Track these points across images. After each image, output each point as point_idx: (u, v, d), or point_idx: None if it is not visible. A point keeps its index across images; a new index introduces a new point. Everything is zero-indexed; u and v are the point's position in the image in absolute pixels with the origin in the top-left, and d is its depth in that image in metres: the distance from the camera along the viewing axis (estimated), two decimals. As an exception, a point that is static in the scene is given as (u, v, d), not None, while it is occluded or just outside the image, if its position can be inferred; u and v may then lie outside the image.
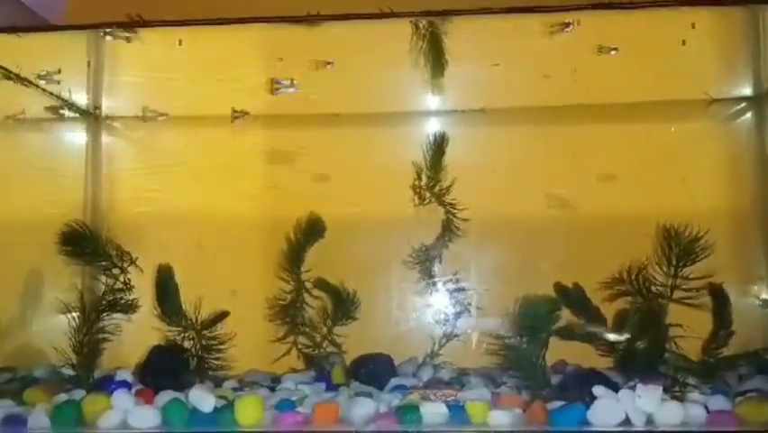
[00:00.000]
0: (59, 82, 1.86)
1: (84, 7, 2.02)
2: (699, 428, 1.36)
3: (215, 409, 1.44)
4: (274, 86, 1.71)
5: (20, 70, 1.83)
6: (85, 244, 1.69)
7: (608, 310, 1.71)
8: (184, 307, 1.72)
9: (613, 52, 1.76)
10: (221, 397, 1.50)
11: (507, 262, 1.88)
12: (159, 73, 1.96)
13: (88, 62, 1.93)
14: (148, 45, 1.80)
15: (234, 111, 1.90)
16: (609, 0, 1.67)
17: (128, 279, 1.71)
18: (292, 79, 1.79)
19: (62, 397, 1.52)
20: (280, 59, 1.84)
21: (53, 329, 1.75)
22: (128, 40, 1.64)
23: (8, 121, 1.91)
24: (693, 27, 1.82)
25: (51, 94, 1.90)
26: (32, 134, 2.01)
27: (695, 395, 1.46)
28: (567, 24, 1.69)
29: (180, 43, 1.81)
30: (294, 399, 1.53)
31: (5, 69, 1.80)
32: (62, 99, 1.94)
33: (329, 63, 1.68)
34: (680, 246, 1.58)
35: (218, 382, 1.69)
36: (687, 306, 1.58)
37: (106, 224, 1.86)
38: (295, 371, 1.82)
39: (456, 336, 1.86)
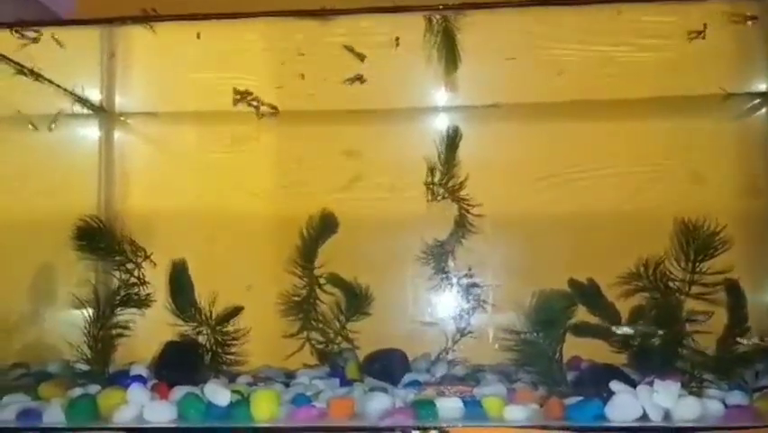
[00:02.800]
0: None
1: (95, 0, 2.01)
2: (716, 423, 1.35)
3: (231, 403, 1.44)
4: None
5: (33, 66, 1.82)
6: (99, 238, 1.69)
7: (623, 306, 1.70)
8: (198, 302, 1.72)
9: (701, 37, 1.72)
10: (235, 392, 1.50)
11: (521, 257, 1.88)
12: (175, 68, 1.96)
13: (112, 53, 1.92)
14: (163, 39, 1.79)
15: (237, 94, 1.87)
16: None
17: (142, 274, 1.71)
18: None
19: (77, 391, 1.53)
20: (302, 54, 1.83)
21: (67, 324, 1.75)
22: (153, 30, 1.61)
23: (22, 117, 1.91)
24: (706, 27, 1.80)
25: (65, 90, 1.90)
26: (46, 130, 2.01)
27: (713, 391, 1.46)
28: (753, 18, 1.65)
29: (199, 37, 1.79)
30: (309, 394, 1.53)
31: (19, 65, 1.80)
32: (76, 95, 1.93)
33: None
34: (697, 241, 1.57)
35: (232, 378, 1.69)
36: (704, 301, 1.57)
37: (121, 219, 1.86)
38: (308, 366, 1.82)
39: (470, 331, 1.85)
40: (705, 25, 1.77)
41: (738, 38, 1.87)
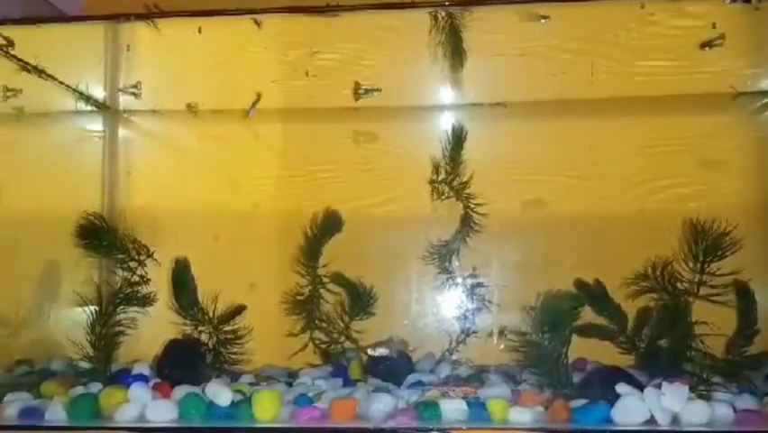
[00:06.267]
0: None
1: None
2: (726, 427, 1.33)
3: (233, 403, 1.43)
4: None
5: (37, 62, 1.82)
6: (102, 236, 1.69)
7: (630, 307, 1.68)
8: (201, 300, 1.71)
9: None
10: (238, 391, 1.49)
11: (526, 257, 1.86)
12: (176, 64, 1.94)
13: (127, 46, 1.90)
14: (168, 36, 1.77)
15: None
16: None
17: (145, 272, 1.70)
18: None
19: (79, 390, 1.52)
20: (315, 52, 1.82)
21: (71, 322, 1.75)
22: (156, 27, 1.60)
23: (26, 114, 1.91)
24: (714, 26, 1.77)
25: (68, 87, 1.89)
26: (50, 128, 2.00)
27: (722, 394, 1.43)
28: None
29: (200, 31, 1.77)
30: (311, 394, 1.51)
31: (24, 62, 1.79)
32: (80, 93, 1.93)
33: (545, 18, 1.59)
34: (707, 242, 1.54)
35: (234, 377, 1.67)
36: (713, 303, 1.54)
37: (124, 216, 1.85)
38: (311, 366, 1.80)
39: (474, 332, 1.84)
40: (714, 24, 1.75)
41: (752, 35, 1.84)
